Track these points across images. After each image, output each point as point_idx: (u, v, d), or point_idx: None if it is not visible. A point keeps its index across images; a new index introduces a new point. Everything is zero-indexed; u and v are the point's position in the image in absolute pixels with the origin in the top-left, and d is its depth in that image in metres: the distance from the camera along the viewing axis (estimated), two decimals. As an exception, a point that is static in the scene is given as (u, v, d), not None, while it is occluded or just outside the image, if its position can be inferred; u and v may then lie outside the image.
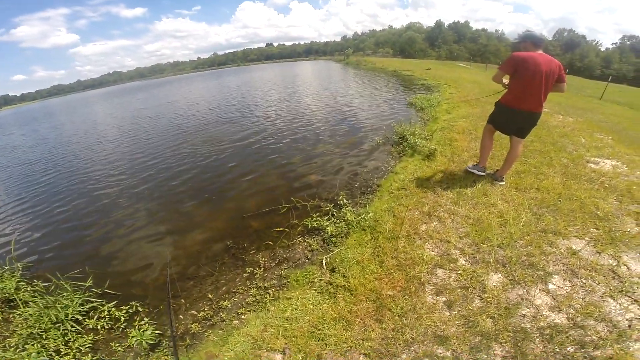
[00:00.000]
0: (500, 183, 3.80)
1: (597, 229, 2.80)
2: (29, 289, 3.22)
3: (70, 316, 2.80)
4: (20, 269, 3.66)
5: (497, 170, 3.96)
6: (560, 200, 3.31)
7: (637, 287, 2.16)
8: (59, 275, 3.18)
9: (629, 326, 1.90)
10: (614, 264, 2.40)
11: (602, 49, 65.12)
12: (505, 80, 3.54)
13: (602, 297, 2.14)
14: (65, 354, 2.48)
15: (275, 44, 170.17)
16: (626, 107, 12.96)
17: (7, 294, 3.19)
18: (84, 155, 9.39)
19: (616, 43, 66.33)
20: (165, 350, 2.49)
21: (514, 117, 3.49)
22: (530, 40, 3.27)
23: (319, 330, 2.22)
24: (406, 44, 75.19)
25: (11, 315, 2.96)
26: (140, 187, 6.05)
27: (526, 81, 3.21)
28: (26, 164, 9.53)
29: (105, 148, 9.93)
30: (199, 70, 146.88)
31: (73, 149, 10.67)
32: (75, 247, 4.28)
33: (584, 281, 2.28)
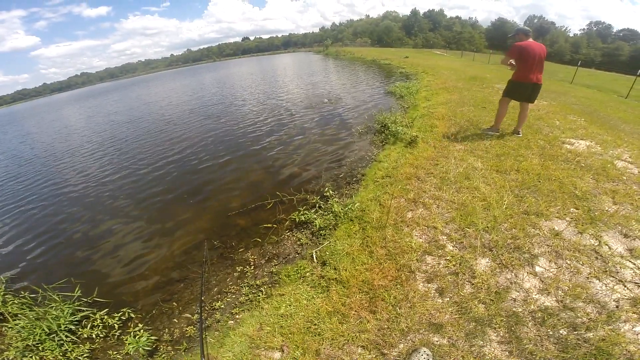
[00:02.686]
0: (518, 135, 4.84)
1: (576, 209, 2.89)
2: (16, 301, 3.10)
3: (63, 326, 2.72)
4: (4, 281, 3.53)
5: (514, 127, 4.98)
6: (539, 181, 3.41)
7: (620, 267, 2.23)
8: (45, 286, 3.07)
9: (617, 307, 1.94)
10: (596, 244, 2.47)
11: (571, 34, 67.79)
12: (512, 61, 4.49)
13: (587, 278, 2.19)
14: (66, 365, 2.41)
15: (252, 38, 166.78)
16: (595, 90, 13.43)
17: (-6, 308, 3.08)
18: (57, 164, 9.01)
19: (584, 29, 69.19)
20: (163, 355, 2.44)
21: (523, 88, 4.56)
22: (522, 33, 4.48)
23: (315, 325, 2.22)
24: (383, 33, 75.35)
25: (3, 329, 2.86)
26: (119, 193, 5.85)
27: (527, 62, 4.33)
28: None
29: (82, 154, 9.57)
30: (172, 68, 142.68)
31: (45, 157, 10.21)
32: (58, 257, 4.11)
33: (568, 262, 2.33)
